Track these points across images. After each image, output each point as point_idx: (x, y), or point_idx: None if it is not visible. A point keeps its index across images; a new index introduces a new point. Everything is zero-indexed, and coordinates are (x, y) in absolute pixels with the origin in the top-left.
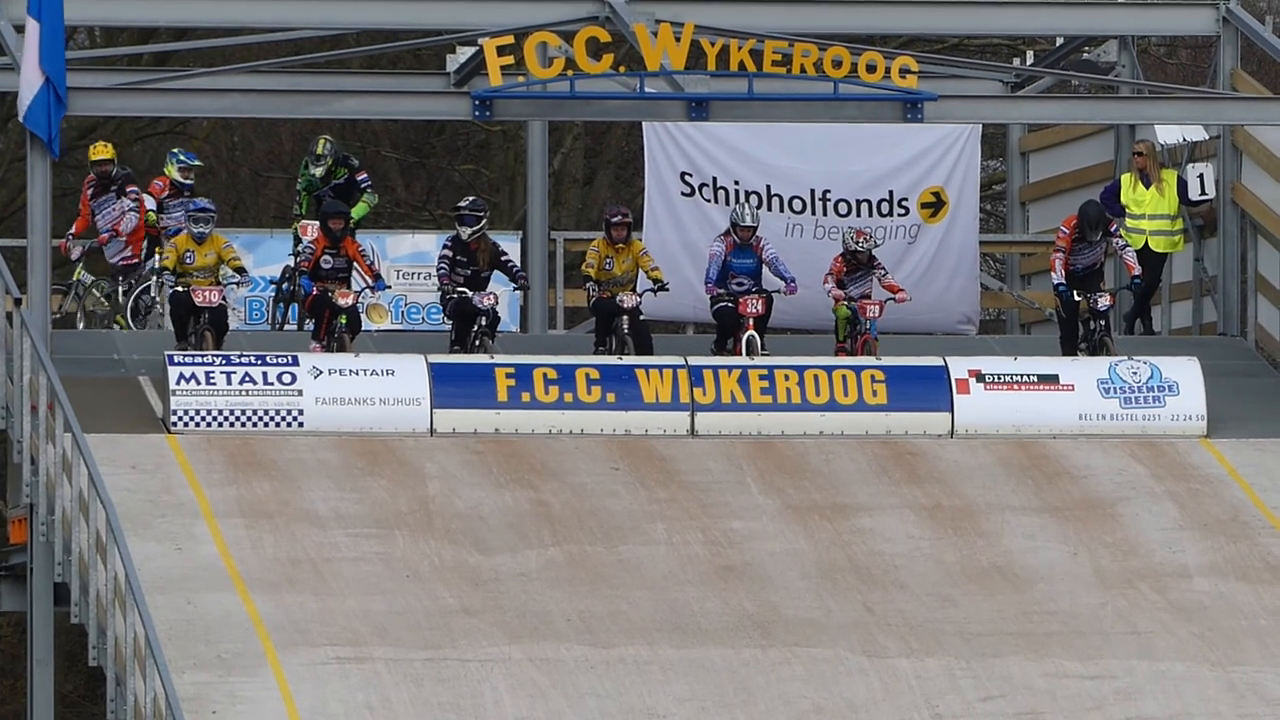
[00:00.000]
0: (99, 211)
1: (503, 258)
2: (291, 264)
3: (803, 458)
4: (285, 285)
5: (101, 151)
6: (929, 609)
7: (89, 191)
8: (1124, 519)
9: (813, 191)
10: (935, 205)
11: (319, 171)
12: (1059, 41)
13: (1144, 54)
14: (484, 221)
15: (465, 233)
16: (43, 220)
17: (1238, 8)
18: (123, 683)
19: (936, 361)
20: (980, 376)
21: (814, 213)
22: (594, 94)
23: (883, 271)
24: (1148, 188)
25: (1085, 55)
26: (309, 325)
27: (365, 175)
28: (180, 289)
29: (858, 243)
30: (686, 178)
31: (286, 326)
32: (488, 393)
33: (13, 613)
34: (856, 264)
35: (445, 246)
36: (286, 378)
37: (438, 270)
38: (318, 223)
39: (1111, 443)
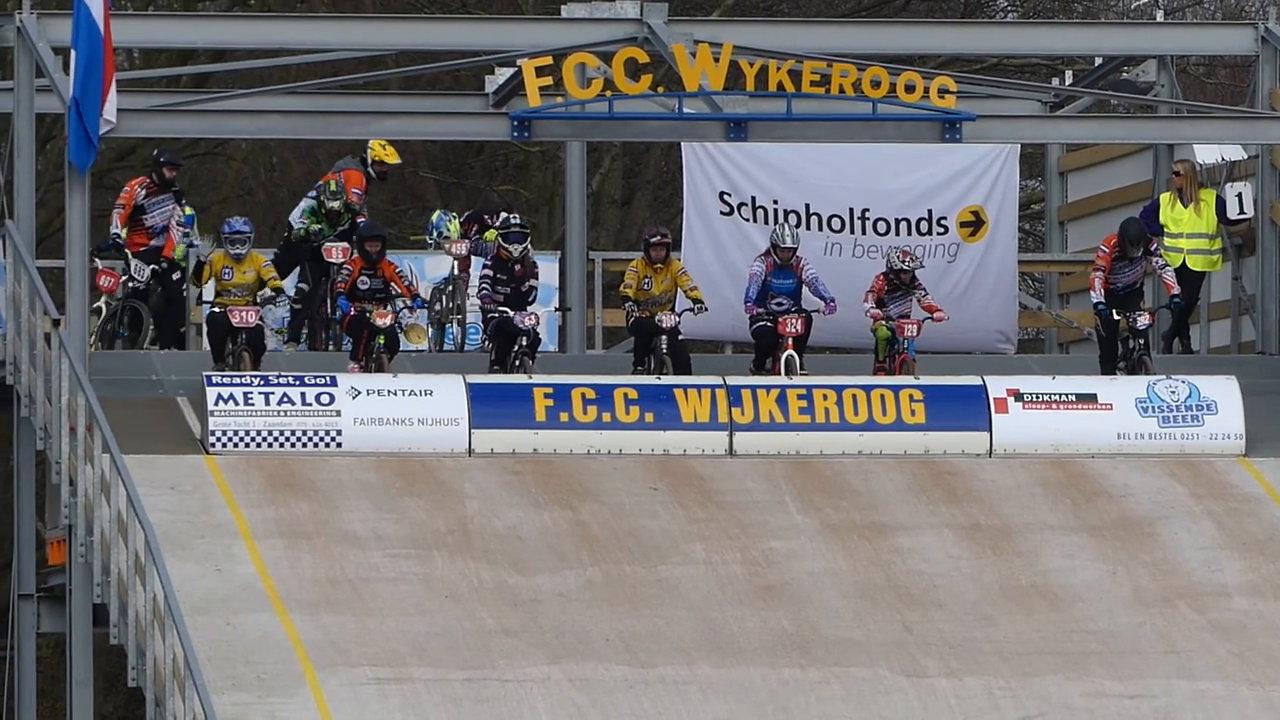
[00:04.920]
0: (151, 210)
1: (533, 277)
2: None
3: (841, 477)
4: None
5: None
6: (968, 628)
7: (141, 192)
8: (1162, 538)
9: (852, 210)
10: (974, 224)
11: (336, 204)
12: (1098, 61)
13: (1183, 74)
14: (529, 239)
15: (515, 250)
16: (81, 241)
17: (1277, 27)
18: (162, 704)
19: (975, 381)
20: (1019, 396)
21: (853, 232)
22: (632, 114)
23: (922, 292)
24: (1186, 207)
25: (1124, 75)
26: (347, 345)
27: (366, 219)
28: (217, 309)
29: (903, 262)
30: (725, 197)
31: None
32: (526, 413)
33: (52, 634)
34: (898, 284)
35: (485, 265)
36: (325, 398)
37: (479, 291)
38: (344, 244)
39: (1150, 462)
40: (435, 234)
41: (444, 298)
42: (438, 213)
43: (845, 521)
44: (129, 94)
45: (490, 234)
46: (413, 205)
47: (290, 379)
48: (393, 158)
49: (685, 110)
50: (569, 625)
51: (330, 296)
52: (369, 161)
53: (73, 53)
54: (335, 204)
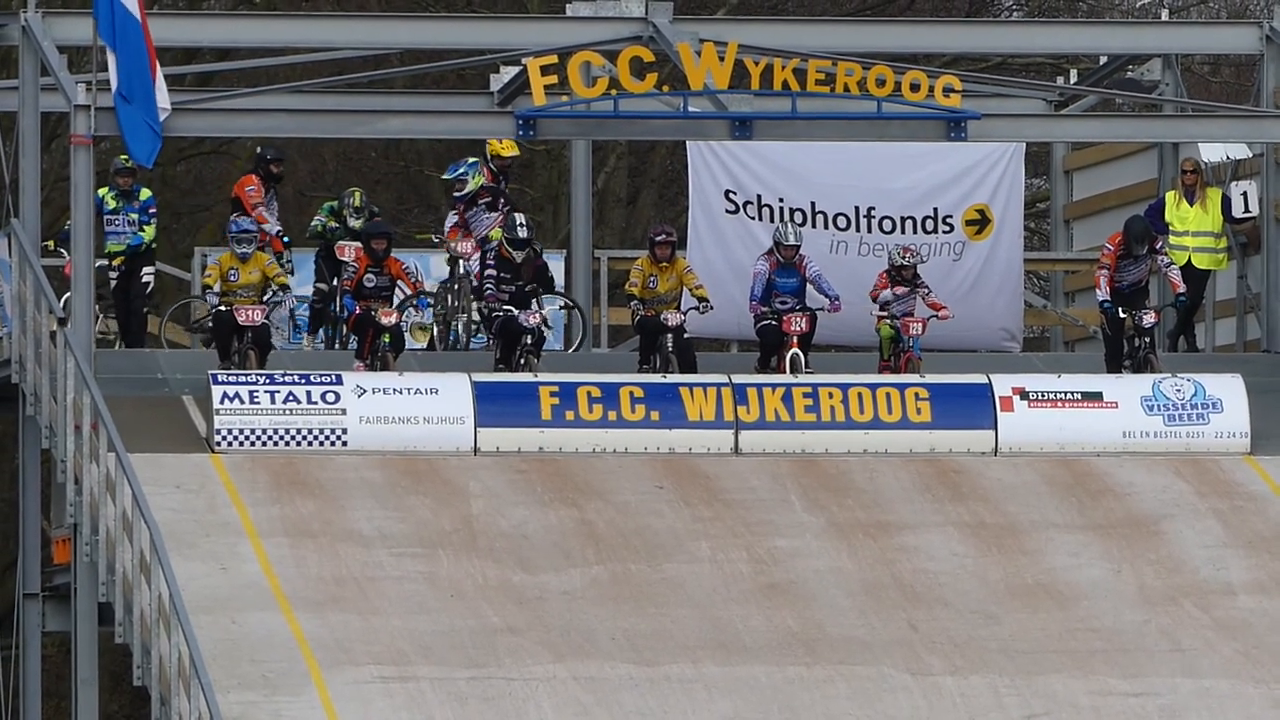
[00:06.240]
0: (268, 208)
1: (547, 275)
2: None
3: (846, 475)
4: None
5: None
6: (973, 626)
7: (262, 191)
8: (1168, 536)
9: (857, 209)
10: (980, 223)
11: (359, 224)
12: (1102, 60)
13: (1187, 72)
14: (529, 245)
15: (518, 256)
16: (86, 240)
17: None
18: (167, 703)
19: (980, 379)
20: (1024, 394)
21: (859, 230)
22: (638, 113)
23: (926, 290)
24: (1192, 205)
25: (1129, 74)
26: (352, 344)
27: (379, 220)
28: (223, 308)
29: (904, 258)
30: (730, 195)
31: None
32: (531, 411)
33: (57, 633)
34: (901, 281)
35: (488, 264)
36: (330, 397)
37: (484, 289)
38: (356, 243)
39: (1155, 460)
40: (458, 172)
41: (449, 296)
42: (470, 161)
43: (850, 520)
44: None
45: (495, 233)
46: (419, 204)
47: (296, 377)
48: (509, 150)
49: (690, 109)
50: (574, 624)
51: (339, 295)
52: (488, 158)
53: (109, 51)
54: (357, 223)
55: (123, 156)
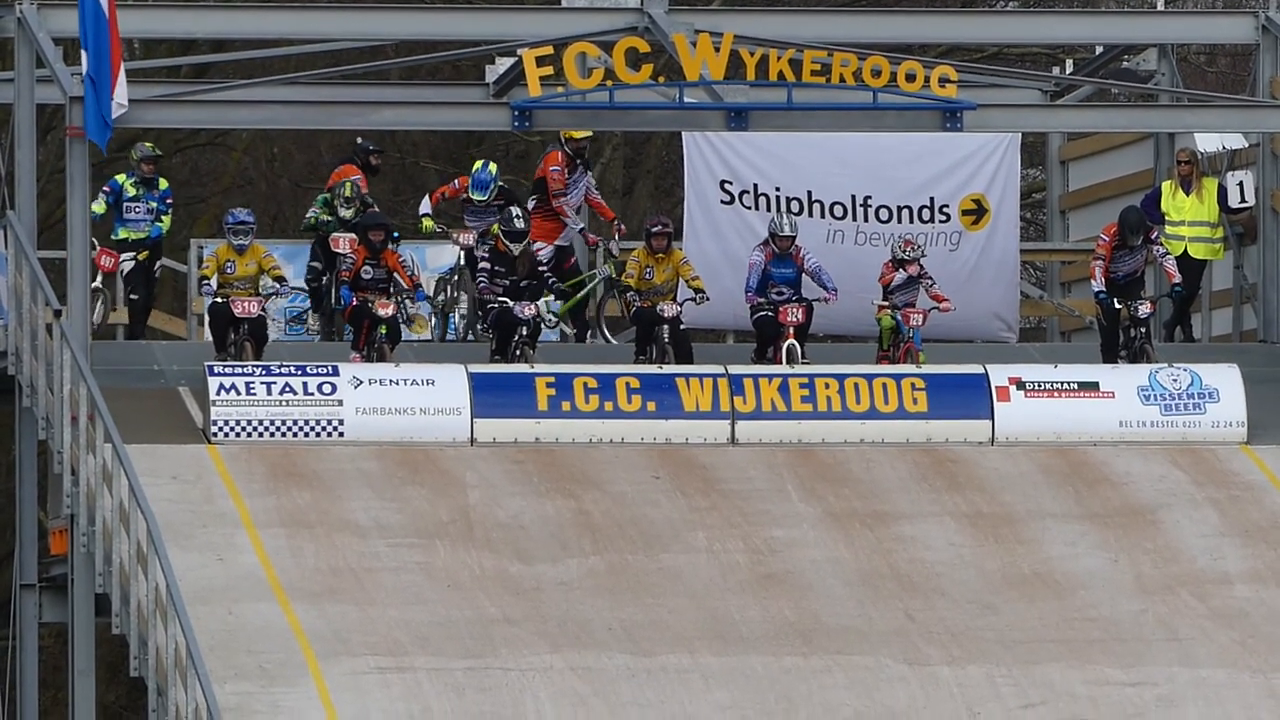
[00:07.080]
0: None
1: (540, 268)
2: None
3: (843, 465)
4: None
5: None
6: (970, 616)
7: (366, 182)
8: (1164, 526)
9: (854, 198)
10: (977, 213)
11: (349, 214)
12: (1098, 50)
13: (1183, 62)
14: (527, 238)
15: (515, 249)
16: (82, 231)
17: (1277, 15)
18: (164, 693)
19: (977, 369)
20: (1021, 384)
21: (855, 219)
22: (633, 104)
23: (929, 281)
24: (1188, 195)
25: (1124, 64)
26: (348, 335)
27: (375, 209)
28: (219, 300)
29: (905, 251)
30: (726, 186)
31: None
32: (528, 402)
33: (54, 623)
34: (904, 271)
35: (483, 257)
36: (327, 388)
37: (477, 282)
38: (352, 235)
39: (1152, 450)
40: (491, 187)
41: (448, 287)
42: (494, 166)
43: (847, 510)
44: (129, 84)
45: (495, 228)
46: (414, 195)
47: (292, 369)
48: (581, 133)
49: (686, 100)
50: (571, 614)
51: (335, 286)
52: (562, 141)
53: (82, 39)
54: (347, 212)
55: (149, 144)
